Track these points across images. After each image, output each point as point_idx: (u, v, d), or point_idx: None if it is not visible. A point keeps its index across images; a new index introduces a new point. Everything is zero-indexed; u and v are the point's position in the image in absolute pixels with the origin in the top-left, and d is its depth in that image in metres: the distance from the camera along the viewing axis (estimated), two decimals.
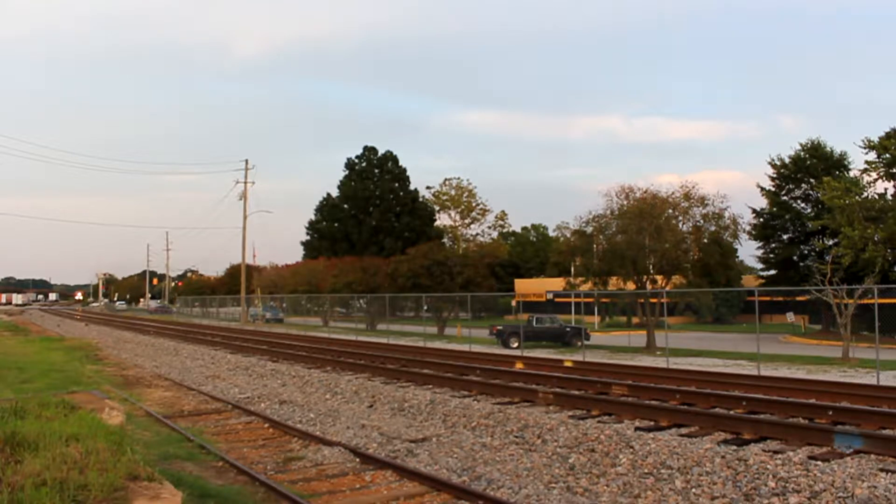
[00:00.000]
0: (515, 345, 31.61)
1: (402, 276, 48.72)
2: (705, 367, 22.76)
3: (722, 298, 54.22)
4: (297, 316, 66.65)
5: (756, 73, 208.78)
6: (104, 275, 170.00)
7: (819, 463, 9.16)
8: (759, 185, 48.43)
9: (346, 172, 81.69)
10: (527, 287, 67.77)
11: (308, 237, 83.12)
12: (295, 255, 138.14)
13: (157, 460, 9.54)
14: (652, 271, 33.47)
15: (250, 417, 14.54)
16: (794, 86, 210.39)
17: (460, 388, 17.18)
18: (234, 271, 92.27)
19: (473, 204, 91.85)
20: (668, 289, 33.59)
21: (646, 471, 9.54)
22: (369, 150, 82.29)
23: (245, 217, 67.62)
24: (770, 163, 47.62)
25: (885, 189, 37.82)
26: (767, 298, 53.61)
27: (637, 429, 11.80)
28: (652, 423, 12.42)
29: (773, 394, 15.37)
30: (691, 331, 46.46)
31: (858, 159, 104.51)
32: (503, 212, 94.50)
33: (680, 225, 33.32)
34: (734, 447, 10.16)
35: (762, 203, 48.06)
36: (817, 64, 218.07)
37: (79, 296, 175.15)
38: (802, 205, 46.77)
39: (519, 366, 22.20)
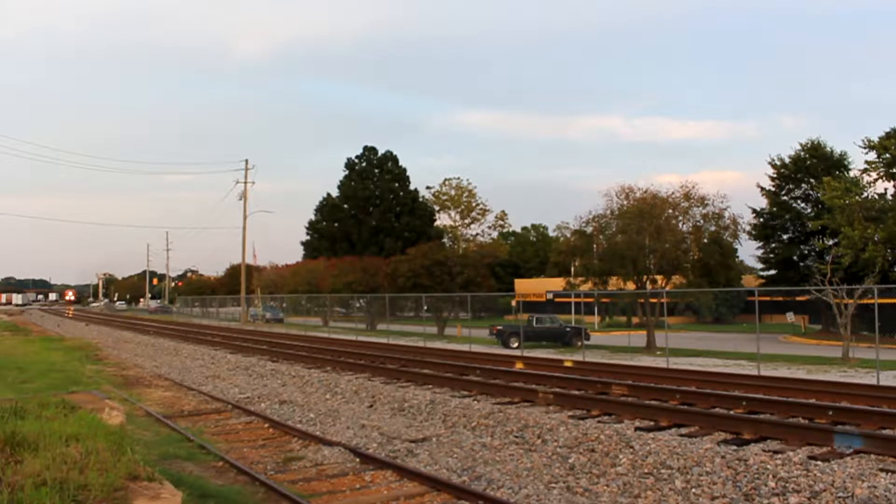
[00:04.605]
0: (515, 345, 31.60)
1: (402, 276, 48.71)
2: (705, 367, 22.76)
3: (722, 298, 54.21)
4: (297, 316, 66.63)
5: (756, 73, 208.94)
6: (104, 275, 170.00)
7: (819, 463, 9.16)
8: (759, 185, 48.50)
9: (346, 172, 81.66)
10: (527, 287, 67.75)
11: (308, 237, 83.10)
12: (295, 255, 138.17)
13: (157, 460, 9.54)
14: (652, 271, 33.46)
15: (250, 417, 14.54)
16: (794, 86, 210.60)
17: (460, 388, 17.18)
18: (234, 271, 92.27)
19: (473, 204, 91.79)
20: (668, 289, 33.58)
21: (646, 471, 9.54)
22: (369, 150, 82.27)
23: (245, 217, 67.71)
24: (770, 163, 47.67)
25: (885, 189, 37.88)
26: (767, 298, 53.58)
27: (637, 429, 11.80)
28: (652, 423, 12.42)
29: (773, 394, 15.37)
30: (691, 331, 46.44)
31: (858, 159, 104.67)
32: (503, 212, 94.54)
33: (680, 225, 33.30)
34: (734, 447, 10.16)
35: (762, 203, 48.13)
36: (817, 64, 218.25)
37: (70, 295, 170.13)
38: (802, 205, 46.77)
39: (519, 366, 22.20)
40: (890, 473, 8.63)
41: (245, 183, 67.78)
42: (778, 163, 47.23)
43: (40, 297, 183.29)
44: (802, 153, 46.37)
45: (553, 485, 9.26)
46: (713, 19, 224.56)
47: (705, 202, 32.97)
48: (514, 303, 54.64)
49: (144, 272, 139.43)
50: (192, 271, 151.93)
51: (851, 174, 42.14)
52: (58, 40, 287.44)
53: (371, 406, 15.68)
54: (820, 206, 41.21)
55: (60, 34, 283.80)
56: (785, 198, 47.13)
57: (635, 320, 50.10)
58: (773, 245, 47.67)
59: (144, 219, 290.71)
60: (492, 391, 16.37)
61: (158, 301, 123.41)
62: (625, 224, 32.64)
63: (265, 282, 76.56)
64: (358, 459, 10.56)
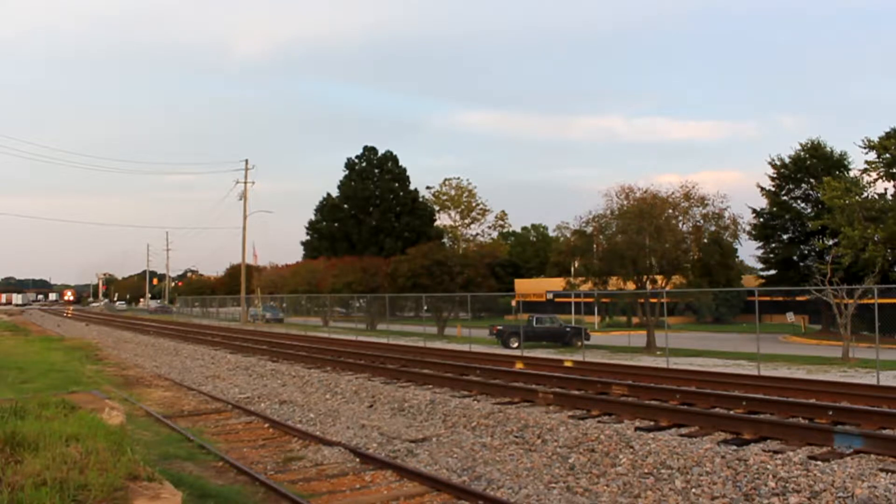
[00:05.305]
0: (515, 345, 31.59)
1: (402, 277, 48.70)
2: (705, 367, 22.76)
3: (722, 298, 54.21)
4: (297, 316, 66.63)
5: (756, 73, 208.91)
6: (104, 275, 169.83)
7: (819, 463, 9.16)
8: (759, 185, 48.51)
9: (346, 172, 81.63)
10: (527, 287, 67.75)
11: (308, 237, 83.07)
12: (295, 255, 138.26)
13: (158, 460, 9.54)
14: (653, 271, 33.45)
15: (250, 417, 14.54)
16: (794, 86, 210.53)
17: (460, 388, 17.18)
18: (234, 271, 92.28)
19: (473, 204, 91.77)
20: (668, 289, 33.57)
21: (646, 471, 9.54)
22: (369, 150, 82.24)
23: (245, 217, 67.72)
24: (770, 163, 47.68)
25: (885, 189, 37.87)
26: (767, 298, 53.58)
27: (637, 429, 11.80)
28: (652, 423, 12.43)
29: (773, 394, 15.37)
30: (691, 331, 46.43)
31: (858, 159, 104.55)
32: (503, 212, 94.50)
33: (680, 225, 33.30)
34: (734, 447, 10.16)
35: (762, 203, 48.15)
36: (817, 64, 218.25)
37: (68, 295, 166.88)
38: (802, 205, 46.77)
39: (519, 366, 22.20)
40: (890, 473, 8.63)
41: (245, 183, 67.86)
42: (778, 163, 47.23)
43: (40, 297, 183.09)
44: (802, 153, 46.37)
45: (553, 485, 9.26)
46: (713, 19, 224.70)
47: (705, 202, 32.98)
48: (514, 303, 54.64)
49: (144, 272, 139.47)
50: (192, 271, 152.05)
51: (851, 174, 42.15)
52: (58, 40, 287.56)
53: (371, 406, 15.68)
54: (820, 206, 41.20)
55: (60, 34, 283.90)
56: (785, 198, 47.13)
57: (635, 320, 50.07)
58: (773, 245, 47.67)
59: (144, 219, 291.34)
60: (492, 391, 16.37)
61: (158, 301, 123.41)
62: (625, 224, 32.63)
63: (265, 282, 76.56)
64: (358, 459, 10.55)
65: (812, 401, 14.13)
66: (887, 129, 37.59)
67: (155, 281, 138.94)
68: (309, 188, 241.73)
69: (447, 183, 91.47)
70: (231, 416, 14.96)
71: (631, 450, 10.30)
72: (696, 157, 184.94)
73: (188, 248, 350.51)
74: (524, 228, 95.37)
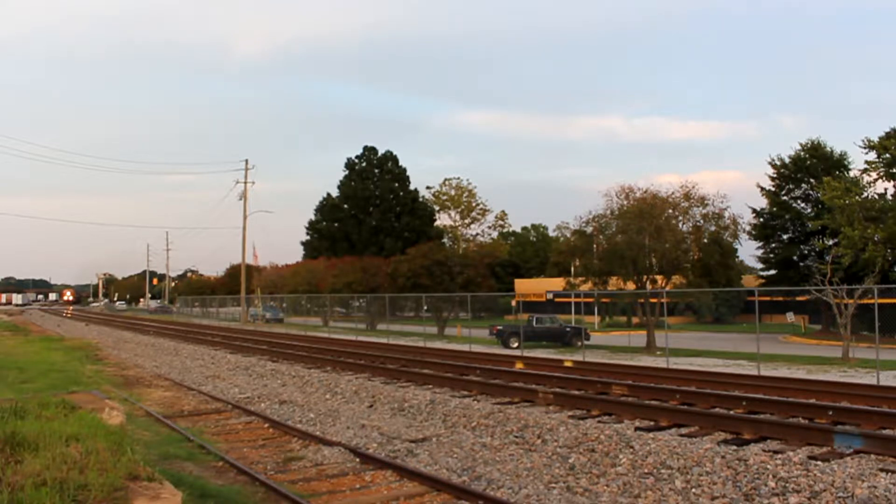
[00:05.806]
0: (515, 345, 31.60)
1: (402, 276, 48.71)
2: (705, 367, 22.76)
3: (722, 298, 54.21)
4: (297, 316, 66.65)
5: (756, 73, 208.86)
6: (104, 275, 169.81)
7: (819, 463, 9.16)
8: (759, 185, 48.55)
9: (346, 172, 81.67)
10: (527, 287, 67.75)
11: (308, 237, 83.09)
12: (295, 255, 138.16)
13: (157, 460, 9.53)
14: (653, 271, 33.44)
15: (250, 417, 14.54)
16: (794, 86, 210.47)
17: (460, 388, 17.18)
18: (234, 271, 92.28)
19: (473, 204, 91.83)
20: (668, 289, 33.58)
21: (646, 471, 9.54)
22: (369, 150, 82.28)
23: (245, 217, 67.74)
24: (770, 163, 47.72)
25: (885, 189, 37.89)
26: (767, 298, 53.60)
27: (637, 429, 11.80)
28: (652, 423, 12.43)
29: (773, 394, 15.37)
30: (691, 331, 46.45)
31: (858, 159, 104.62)
32: (503, 212, 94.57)
33: (680, 225, 33.30)
34: (734, 447, 10.16)
35: (762, 203, 48.18)
36: (817, 64, 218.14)
37: (68, 295, 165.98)
38: (802, 205, 46.80)
39: (519, 366, 22.21)
40: (890, 473, 8.63)
41: (245, 183, 67.91)
42: (778, 163, 47.26)
43: (40, 297, 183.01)
44: (802, 153, 46.40)
45: (553, 485, 9.26)
46: (713, 20, 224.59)
47: (705, 202, 32.98)
48: (514, 303, 54.62)
49: (144, 272, 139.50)
50: (192, 271, 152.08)
51: (851, 174, 42.19)
52: (58, 40, 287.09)
53: (371, 406, 15.68)
54: (820, 206, 41.22)
55: (60, 34, 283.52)
56: (785, 198, 47.15)
57: (635, 320, 50.09)
58: (773, 245, 47.70)
59: (144, 219, 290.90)
60: (492, 391, 16.37)
61: (158, 301, 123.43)
62: (625, 224, 32.63)
63: (265, 282, 76.55)
64: (358, 459, 10.55)
65: (812, 401, 14.14)
66: (887, 129, 37.64)
67: (155, 281, 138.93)
68: (309, 188, 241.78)
69: (447, 183, 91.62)
70: (231, 416, 14.96)
71: (631, 450, 10.30)
72: (695, 157, 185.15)
73: (188, 248, 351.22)
74: (524, 228, 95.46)
